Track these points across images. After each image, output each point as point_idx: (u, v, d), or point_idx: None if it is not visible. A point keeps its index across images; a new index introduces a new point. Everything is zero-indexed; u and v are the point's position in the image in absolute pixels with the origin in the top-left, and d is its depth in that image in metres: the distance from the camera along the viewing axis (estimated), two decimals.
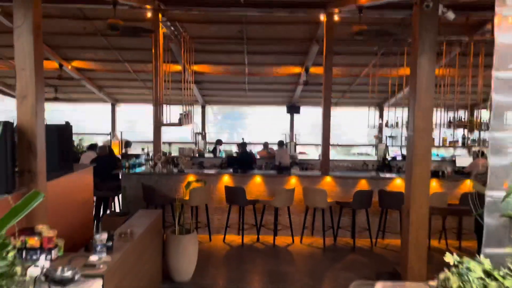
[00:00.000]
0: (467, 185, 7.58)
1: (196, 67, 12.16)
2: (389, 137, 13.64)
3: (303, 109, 15.18)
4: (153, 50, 8.54)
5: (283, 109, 15.40)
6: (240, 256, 6.74)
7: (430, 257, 6.54)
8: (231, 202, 7.31)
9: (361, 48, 10.43)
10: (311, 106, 16.00)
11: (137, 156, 8.78)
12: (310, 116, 16.14)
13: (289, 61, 11.72)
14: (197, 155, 10.46)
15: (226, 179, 7.70)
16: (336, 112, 14.54)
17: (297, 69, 12.18)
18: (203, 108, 15.82)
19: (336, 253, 6.96)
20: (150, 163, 8.13)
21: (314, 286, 5.61)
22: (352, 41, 10.22)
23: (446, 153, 12.52)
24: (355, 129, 15.91)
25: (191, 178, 7.67)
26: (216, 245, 7.24)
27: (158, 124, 8.20)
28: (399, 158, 10.66)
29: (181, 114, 8.04)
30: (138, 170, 8.02)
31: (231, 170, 7.86)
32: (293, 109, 15.40)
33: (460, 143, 8.14)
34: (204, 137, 14.37)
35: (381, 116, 15.58)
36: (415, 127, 3.72)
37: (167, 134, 16.17)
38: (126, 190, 7.58)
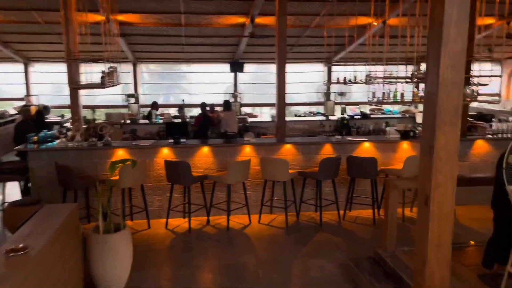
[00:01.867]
0: None
1: (122, 17, 10.23)
2: (339, 94, 12.76)
3: (245, 66, 13.80)
4: None
5: (226, 67, 13.91)
6: (187, 247, 5.49)
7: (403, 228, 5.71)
8: (174, 180, 5.95)
9: None
10: (255, 63, 14.66)
11: (50, 125, 7.01)
12: (252, 74, 14.83)
13: (232, 9, 10.12)
14: (128, 121, 8.81)
15: (166, 152, 6.27)
16: None
17: (241, 19, 10.63)
18: (135, 66, 13.85)
19: (301, 233, 5.93)
20: (67, 134, 6.45)
21: (284, 283, 4.54)
22: None
23: (395, 108, 11.90)
24: (301, 87, 14.89)
25: (120, 152, 6.15)
26: (157, 233, 5.92)
27: (74, 85, 6.46)
28: (357, 117, 9.76)
29: (103, 72, 6.36)
30: (51, 144, 6.32)
31: (171, 140, 6.42)
32: (236, 67, 13.95)
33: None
34: (137, 100, 12.59)
35: (329, 72, 14.64)
36: (441, 79, 2.55)
37: (95, 98, 14.11)
38: (34, 172, 5.92)
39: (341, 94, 12.79)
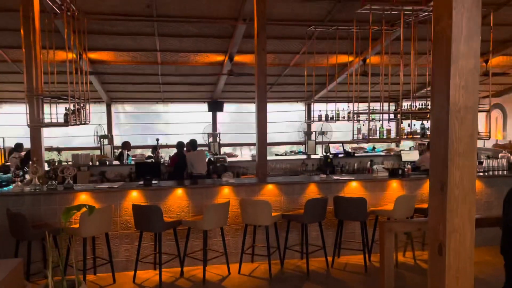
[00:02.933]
0: None
1: (94, 55, 9.83)
2: (319, 133, 12.46)
3: (225, 106, 13.49)
4: (22, 28, 6.20)
5: (204, 106, 13.57)
6: None
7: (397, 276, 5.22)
8: (143, 226, 5.31)
9: (293, 29, 8.96)
10: (234, 102, 14.36)
11: (5, 168, 6.34)
12: (232, 113, 14.49)
13: (210, 47, 9.87)
14: (97, 163, 8.18)
15: (135, 196, 5.66)
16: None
17: (219, 57, 10.38)
18: (109, 106, 13.34)
19: (286, 285, 5.30)
20: (25, 177, 5.79)
21: None
22: (284, 23, 8.76)
23: (378, 147, 11.63)
24: (282, 126, 14.61)
25: (83, 197, 5.51)
26: None
27: (34, 124, 5.88)
28: (341, 155, 9.39)
29: (67, 110, 5.82)
30: (7, 189, 5.64)
31: (141, 182, 5.84)
32: (215, 106, 13.62)
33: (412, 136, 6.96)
34: (111, 141, 11.99)
35: (309, 110, 14.45)
36: (451, 103, 2.13)
37: (73, 140, 13.42)
38: None
39: (322, 133, 12.50)
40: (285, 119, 14.59)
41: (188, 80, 11.97)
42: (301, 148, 13.20)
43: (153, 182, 5.82)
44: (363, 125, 6.46)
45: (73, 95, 6.06)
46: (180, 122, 14.10)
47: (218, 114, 14.10)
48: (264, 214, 5.43)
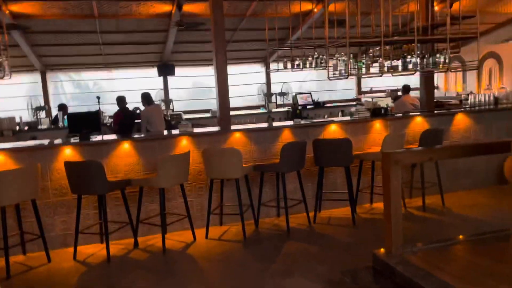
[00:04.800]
0: (418, 122, 5.69)
1: (15, 7, 8.28)
2: (279, 94, 11.55)
3: (176, 70, 12.25)
4: None
5: (153, 71, 12.26)
6: (105, 283, 3.76)
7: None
8: (80, 189, 4.19)
9: None
10: (187, 65, 13.09)
11: None
12: (184, 78, 13.22)
13: None
14: (26, 128, 6.82)
15: (68, 154, 4.50)
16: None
17: (166, 6, 9.12)
18: (44, 74, 11.70)
19: (264, 246, 4.41)
20: None
21: None
22: None
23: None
24: (239, 90, 13.59)
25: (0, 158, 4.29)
26: (60, 267, 4.09)
27: None
28: (310, 106, 8.55)
29: None
30: None
31: (76, 138, 4.67)
32: (165, 70, 12.33)
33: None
34: (49, 114, 10.47)
35: (267, 72, 13.51)
36: None
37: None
38: None
39: (283, 94, 11.61)
40: (243, 82, 13.54)
41: (133, 38, 10.59)
42: (263, 109, 12.29)
43: (92, 136, 4.67)
44: (339, 60, 5.60)
45: None
46: (127, 89, 12.69)
47: (170, 80, 12.86)
48: (232, 165, 4.47)
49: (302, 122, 5.52)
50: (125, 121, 6.45)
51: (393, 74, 5.78)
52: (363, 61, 5.66)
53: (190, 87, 13.55)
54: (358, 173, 5.28)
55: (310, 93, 9.24)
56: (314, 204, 5.11)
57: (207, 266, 4.00)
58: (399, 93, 8.58)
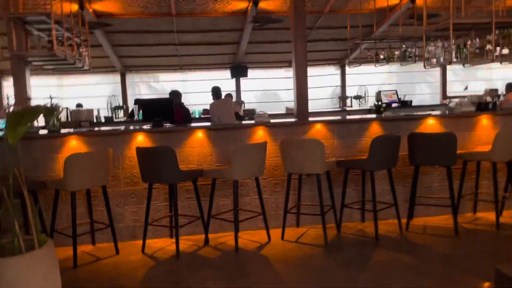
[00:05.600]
0: None
1: (98, 5, 8.52)
2: (355, 97, 10.80)
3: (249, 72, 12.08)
4: None
5: (226, 73, 12.20)
6: (173, 279, 3.42)
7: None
8: (151, 177, 3.93)
9: None
10: (259, 67, 12.84)
11: None
12: (256, 81, 12.97)
13: None
14: (103, 121, 6.87)
15: (141, 140, 4.28)
16: (289, 73, 11.53)
17: (242, 4, 8.90)
18: (123, 76, 12.12)
19: (350, 252, 3.84)
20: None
21: None
22: None
23: None
24: (313, 93, 13.03)
25: (73, 142, 4.17)
26: (128, 260, 3.83)
27: (16, 53, 4.57)
28: (395, 104, 7.79)
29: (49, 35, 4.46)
30: None
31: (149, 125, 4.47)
32: (238, 71, 12.19)
33: None
34: (126, 113, 10.71)
35: (342, 74, 12.86)
36: None
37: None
38: None
39: (359, 97, 10.85)
40: (316, 85, 12.98)
41: (208, 38, 10.54)
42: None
43: (165, 124, 4.43)
44: (437, 46, 4.88)
45: (60, 20, 4.73)
46: (200, 91, 12.72)
47: (242, 82, 12.70)
48: (314, 158, 3.96)
49: (392, 114, 4.86)
50: (187, 118, 6.12)
51: (502, 62, 4.96)
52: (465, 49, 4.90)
53: (260, 89, 13.33)
54: (461, 176, 4.49)
55: (395, 90, 8.43)
56: (405, 209, 4.43)
57: (284, 270, 3.51)
58: (499, 92, 7.51)
